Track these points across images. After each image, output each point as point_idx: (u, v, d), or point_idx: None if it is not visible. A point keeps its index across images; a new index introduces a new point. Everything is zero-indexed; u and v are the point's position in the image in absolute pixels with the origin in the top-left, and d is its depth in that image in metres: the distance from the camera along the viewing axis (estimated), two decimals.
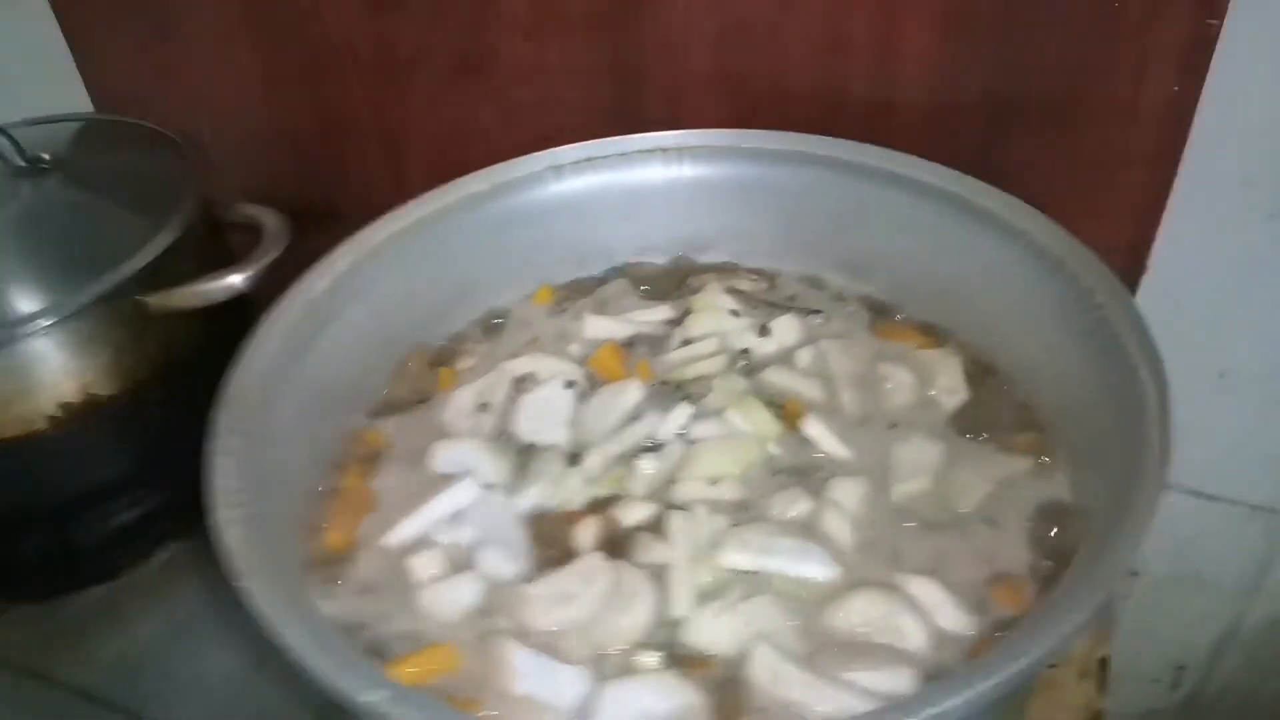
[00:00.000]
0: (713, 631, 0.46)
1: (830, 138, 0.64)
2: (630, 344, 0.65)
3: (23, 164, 0.72)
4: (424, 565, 0.51)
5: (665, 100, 0.74)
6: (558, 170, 0.68)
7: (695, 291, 0.67)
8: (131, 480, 0.75)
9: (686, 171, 0.68)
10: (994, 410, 0.56)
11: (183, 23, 0.89)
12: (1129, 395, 0.47)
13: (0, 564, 0.74)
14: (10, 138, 0.72)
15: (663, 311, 0.67)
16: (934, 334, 0.62)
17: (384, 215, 0.64)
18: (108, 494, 0.75)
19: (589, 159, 0.68)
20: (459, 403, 0.61)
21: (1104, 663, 0.62)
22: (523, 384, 0.63)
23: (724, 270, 0.69)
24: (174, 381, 0.72)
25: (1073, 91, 0.63)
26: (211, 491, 0.46)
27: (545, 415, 0.60)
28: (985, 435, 0.55)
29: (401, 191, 0.92)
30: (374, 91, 0.85)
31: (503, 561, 0.51)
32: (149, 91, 0.97)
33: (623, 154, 0.68)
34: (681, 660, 0.46)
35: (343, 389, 0.59)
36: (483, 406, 0.61)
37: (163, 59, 0.92)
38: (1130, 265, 0.67)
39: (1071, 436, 0.53)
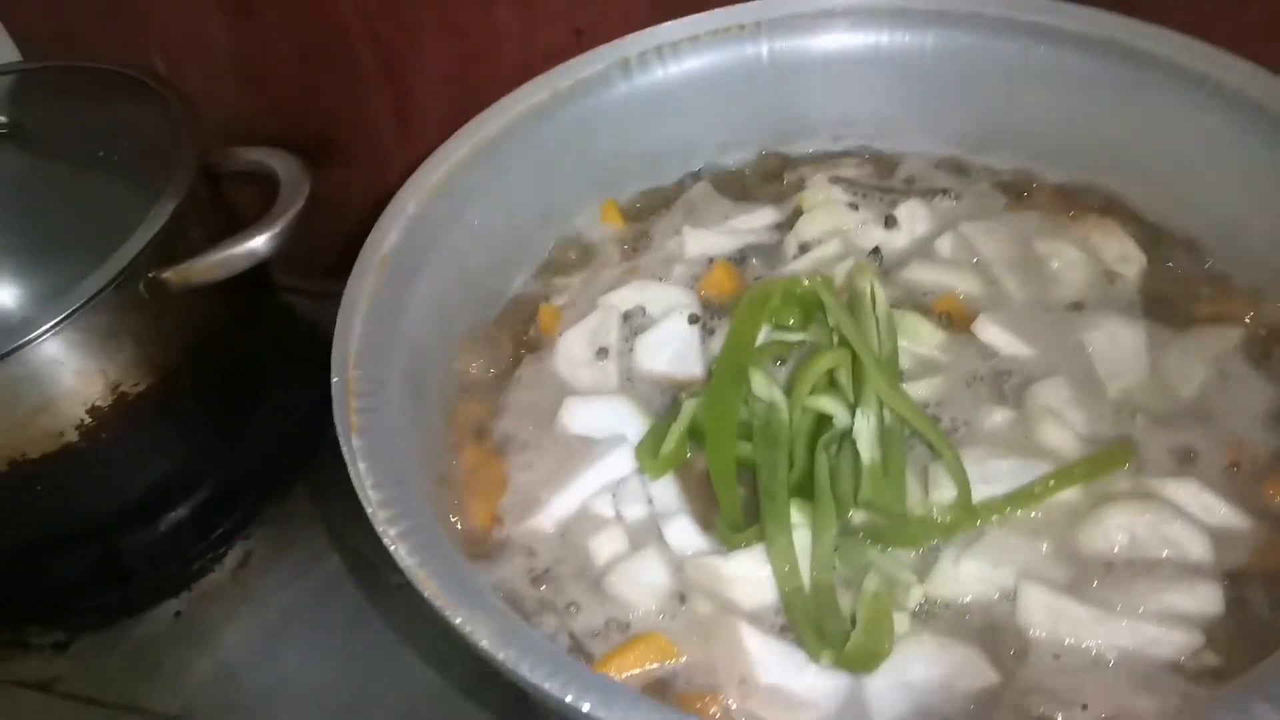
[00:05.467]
0: (959, 578, 0.39)
1: None
2: (741, 258, 0.55)
3: None
4: (605, 545, 0.42)
5: None
6: (625, 65, 0.56)
7: (797, 188, 0.57)
8: (176, 479, 0.64)
9: (767, 49, 0.57)
10: (1183, 280, 0.48)
11: None
12: None
13: (48, 593, 0.63)
14: None
15: (766, 215, 0.57)
16: (1084, 203, 0.53)
17: (441, 146, 0.51)
18: (154, 499, 0.64)
19: (658, 47, 0.56)
20: (571, 349, 0.51)
21: None
22: (631, 319, 0.53)
23: (822, 161, 0.59)
24: (201, 364, 0.60)
25: None
26: (373, 513, 0.36)
27: (675, 355, 0.50)
28: (1180, 308, 0.47)
29: (406, 115, 0.79)
30: (369, 4, 0.71)
31: (685, 533, 0.42)
32: (84, 28, 0.80)
33: (694, 37, 0.57)
34: (932, 616, 0.39)
35: (438, 353, 0.49)
36: (601, 352, 0.51)
37: None
38: None
39: None
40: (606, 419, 0.47)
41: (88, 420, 0.55)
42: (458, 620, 0.32)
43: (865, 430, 0.42)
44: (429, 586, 0.33)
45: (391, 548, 0.35)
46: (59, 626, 0.62)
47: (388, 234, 0.47)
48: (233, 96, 0.80)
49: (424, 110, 0.78)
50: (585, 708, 0.30)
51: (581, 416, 0.47)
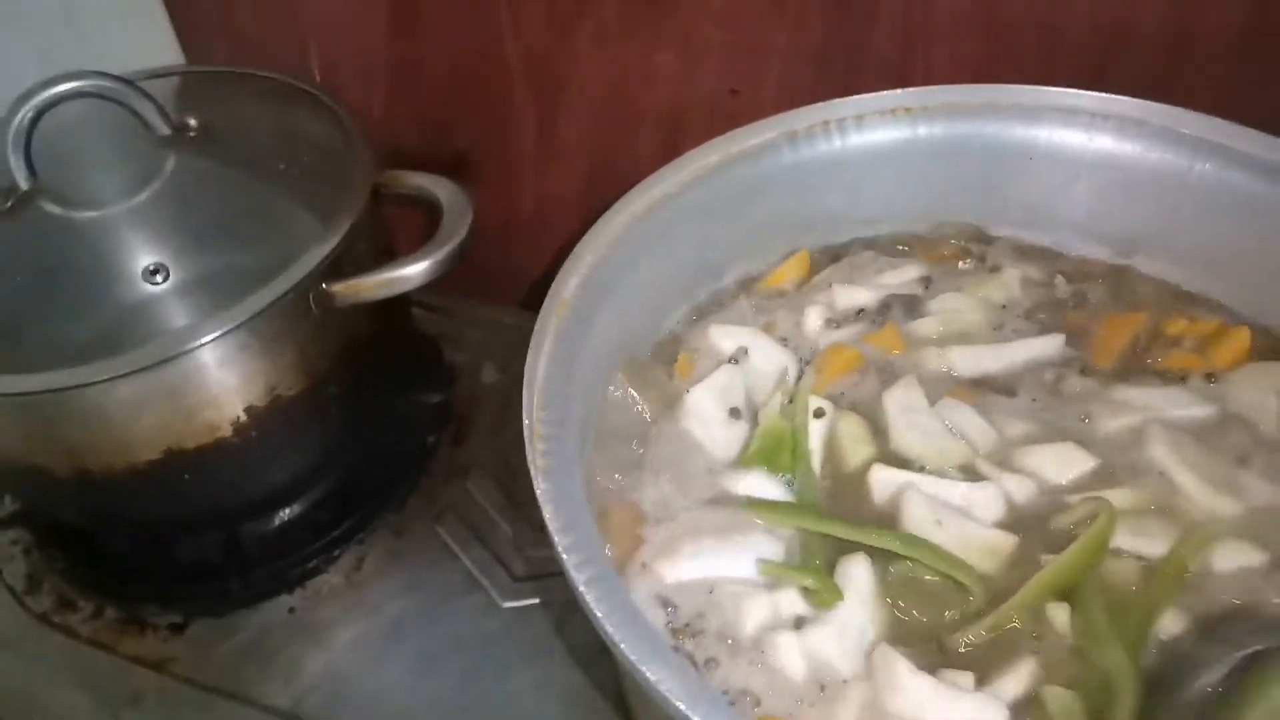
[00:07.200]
0: None
1: (1117, 96, 0.54)
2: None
3: (168, 132, 0.60)
4: (752, 612, 0.43)
5: (895, 41, 0.62)
6: (792, 136, 0.57)
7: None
8: (302, 480, 0.66)
9: (927, 132, 0.58)
10: None
11: None
12: None
13: (170, 575, 0.65)
14: (156, 103, 0.59)
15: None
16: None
17: (619, 200, 0.53)
18: (278, 497, 0.66)
19: (825, 122, 0.58)
20: (701, 407, 0.50)
21: None
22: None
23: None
24: (346, 372, 0.62)
25: None
26: (564, 559, 0.37)
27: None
28: None
29: (547, 143, 0.82)
30: (528, 28, 0.73)
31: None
32: (248, 30, 0.84)
33: (860, 115, 0.58)
34: None
35: (598, 394, 0.50)
36: (733, 412, 0.51)
37: None
38: None
39: None
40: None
41: (243, 418, 0.57)
42: (651, 677, 0.33)
43: None
44: (614, 635, 0.35)
45: (580, 592, 0.36)
46: (177, 609, 0.64)
47: (568, 280, 0.48)
48: (381, 110, 0.82)
49: (565, 140, 0.80)
50: None
51: (735, 487, 0.48)
